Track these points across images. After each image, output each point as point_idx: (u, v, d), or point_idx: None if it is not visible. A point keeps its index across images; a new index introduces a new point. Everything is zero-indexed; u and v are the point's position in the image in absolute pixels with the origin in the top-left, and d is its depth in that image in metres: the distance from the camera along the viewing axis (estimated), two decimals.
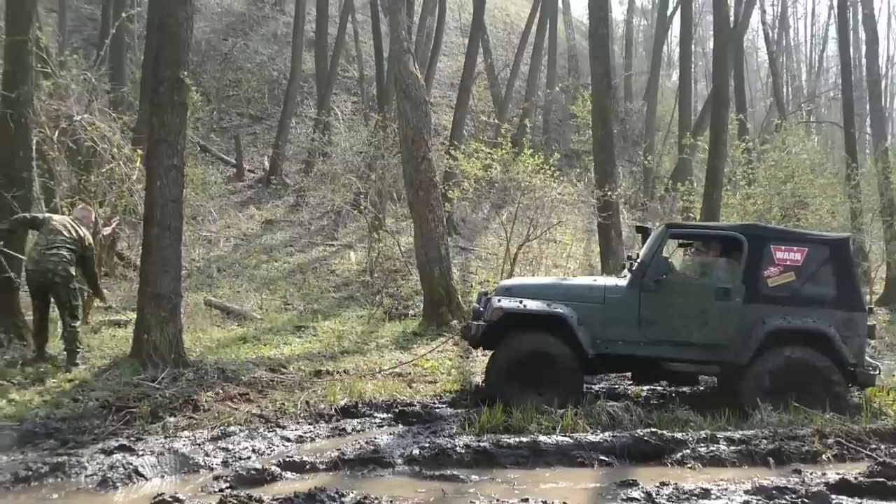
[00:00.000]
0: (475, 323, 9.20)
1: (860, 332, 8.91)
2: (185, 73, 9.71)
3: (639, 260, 9.19)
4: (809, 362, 8.66)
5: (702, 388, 10.35)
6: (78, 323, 9.66)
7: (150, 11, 17.77)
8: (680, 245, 10.96)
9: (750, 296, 8.90)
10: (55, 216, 9.86)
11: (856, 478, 6.37)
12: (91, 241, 9.84)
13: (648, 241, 9.67)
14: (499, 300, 9.05)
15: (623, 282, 9.23)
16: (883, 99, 34.66)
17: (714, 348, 8.90)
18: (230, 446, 7.06)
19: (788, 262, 8.96)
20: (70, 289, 9.47)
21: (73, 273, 9.51)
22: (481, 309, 9.44)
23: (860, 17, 29.23)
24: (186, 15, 9.74)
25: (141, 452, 6.66)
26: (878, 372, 9.14)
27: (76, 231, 9.58)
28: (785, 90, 43.11)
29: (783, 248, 8.99)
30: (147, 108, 11.83)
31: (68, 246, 9.43)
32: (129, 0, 24.64)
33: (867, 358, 9.12)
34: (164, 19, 9.71)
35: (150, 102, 10.06)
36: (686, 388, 10.32)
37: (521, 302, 8.95)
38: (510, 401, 8.30)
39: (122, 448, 6.73)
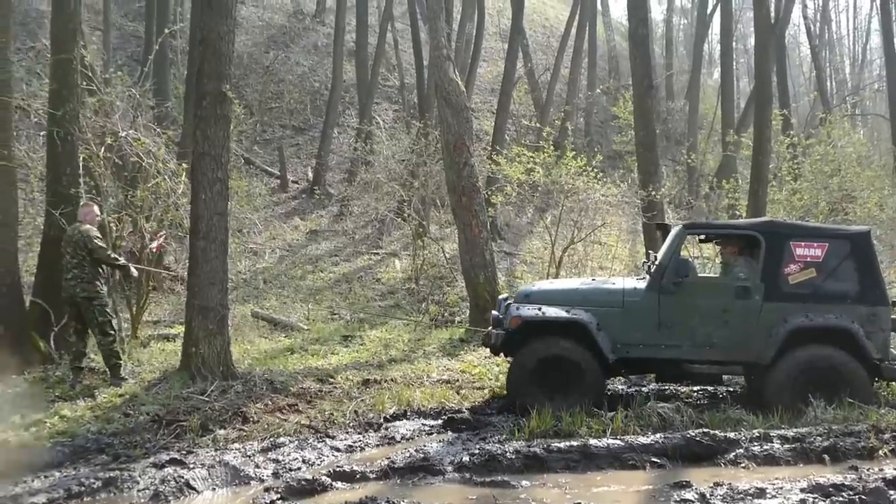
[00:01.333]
0: (494, 331, 9.17)
1: (884, 326, 8.76)
2: (228, 86, 9.78)
3: (657, 262, 9.09)
4: (833, 359, 8.53)
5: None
6: (110, 339, 9.65)
7: (192, 27, 17.97)
8: (711, 242, 10.85)
9: (770, 294, 8.78)
10: (65, 234, 9.91)
11: None
12: (93, 232, 9.71)
13: (667, 241, 9.54)
14: (517, 308, 9.03)
15: (642, 284, 9.13)
16: None
17: (736, 348, 8.80)
18: (280, 457, 7.10)
19: (809, 259, 8.82)
20: (94, 306, 9.52)
21: (97, 289, 9.59)
22: (500, 316, 9.41)
23: None
24: (228, 29, 9.81)
25: (192, 465, 6.71)
26: None
27: (79, 238, 9.58)
28: (829, 84, 42.55)
29: (803, 244, 8.85)
30: (191, 123, 11.92)
31: (75, 261, 9.51)
32: (172, 16, 24.94)
33: (893, 351, 8.94)
34: (206, 34, 9.79)
35: (194, 116, 10.13)
36: (738, 387, 10.19)
37: (539, 309, 8.90)
38: (531, 407, 8.24)
39: (173, 461, 6.80)
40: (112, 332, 9.76)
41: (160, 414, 8.10)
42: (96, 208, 10.28)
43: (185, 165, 12.70)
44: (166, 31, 17.20)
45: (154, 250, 12.36)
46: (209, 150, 9.59)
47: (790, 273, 8.81)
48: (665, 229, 10.38)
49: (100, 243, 9.67)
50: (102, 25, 24.82)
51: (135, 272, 10.35)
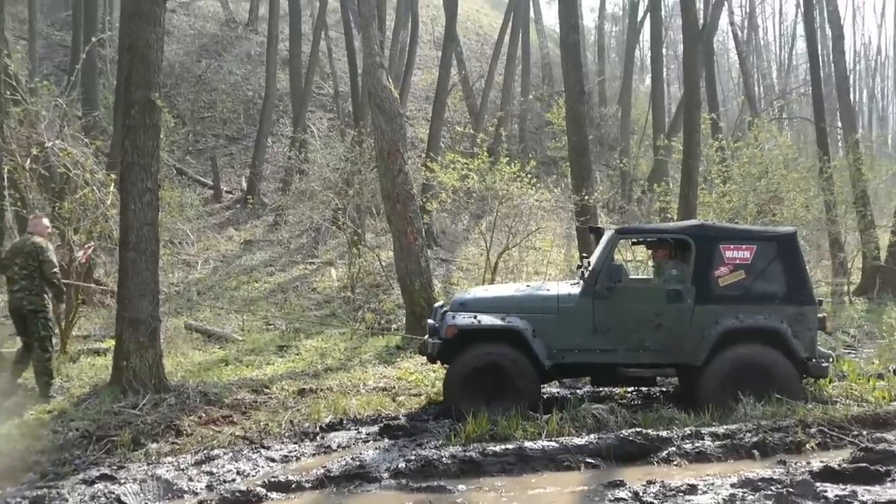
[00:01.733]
0: (431, 340, 9.17)
1: (811, 325, 8.96)
2: (157, 95, 9.66)
3: (590, 267, 9.17)
4: (763, 359, 8.70)
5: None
6: (47, 355, 9.54)
7: (120, 35, 17.69)
8: (643, 245, 10.98)
9: (701, 297, 8.92)
10: (12, 244, 9.77)
11: (839, 464, 6.45)
12: (44, 244, 9.64)
13: (599, 246, 9.65)
14: (453, 316, 9.05)
15: (576, 289, 9.19)
16: (851, 93, 34.97)
17: (669, 351, 8.92)
18: (214, 469, 7.02)
19: (738, 261, 8.96)
20: (39, 319, 9.45)
21: (44, 302, 9.48)
22: (436, 325, 9.41)
23: (826, 14, 29.45)
24: (156, 37, 9.68)
25: (123, 481, 6.61)
26: (830, 362, 9.23)
27: (31, 249, 9.48)
28: (756, 88, 43.47)
29: (732, 246, 8.99)
30: (120, 133, 11.75)
31: (25, 272, 9.41)
32: (100, 25, 24.59)
33: (820, 349, 9.17)
34: (134, 41, 9.65)
35: (123, 126, 9.98)
36: (670, 387, 10.35)
37: (475, 317, 8.95)
38: (468, 413, 8.25)
39: (103, 477, 6.69)
40: (50, 348, 9.65)
41: (90, 429, 7.94)
42: (46, 220, 10.18)
43: (114, 176, 12.51)
44: (94, 39, 16.98)
45: (82, 261, 12.11)
46: (138, 160, 9.46)
47: (720, 275, 8.94)
48: (598, 232, 10.51)
49: (51, 257, 9.55)
50: (28, 35, 24.37)
51: (62, 300, 10.12)
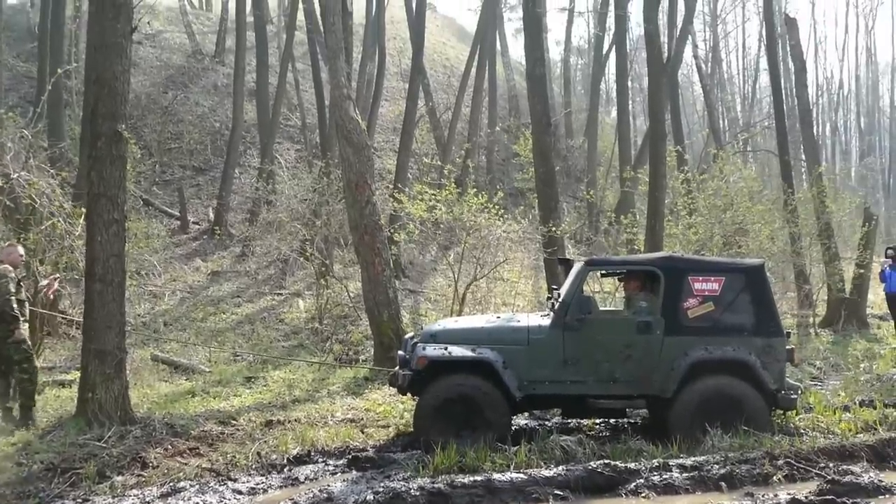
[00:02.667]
0: (401, 372, 9.14)
1: (779, 357, 9.01)
2: (124, 126, 9.64)
3: (560, 299, 9.19)
4: (732, 390, 8.73)
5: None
6: (26, 376, 9.54)
7: (87, 66, 17.65)
8: (612, 277, 11.04)
9: (671, 328, 8.95)
10: None
11: (806, 497, 6.50)
12: (10, 275, 9.58)
13: (569, 278, 9.70)
14: (423, 347, 9.04)
15: (546, 321, 9.21)
16: (815, 126, 35.49)
17: (639, 383, 8.95)
18: (180, 502, 6.99)
19: (707, 293, 9.00)
20: (9, 345, 9.42)
21: (10, 328, 9.41)
22: (406, 356, 9.38)
23: (788, 48, 29.93)
24: (123, 68, 9.67)
25: None
26: (799, 394, 9.28)
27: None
28: (721, 121, 44.02)
29: (700, 278, 9.03)
30: (86, 164, 11.69)
31: None
32: (66, 56, 24.52)
33: (788, 381, 9.23)
34: (101, 73, 9.63)
35: (89, 157, 9.93)
36: (639, 419, 10.38)
37: (446, 349, 8.95)
38: (438, 445, 8.23)
39: None
40: (29, 371, 9.62)
41: (55, 462, 7.85)
42: (21, 249, 10.11)
43: (81, 207, 12.44)
44: (60, 71, 16.91)
45: (47, 293, 12.01)
46: (105, 191, 9.41)
47: (689, 307, 8.98)
48: (567, 264, 10.55)
49: (10, 287, 9.44)
50: None
51: (20, 335, 9.92)
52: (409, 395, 9.60)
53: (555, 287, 11.32)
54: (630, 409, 9.49)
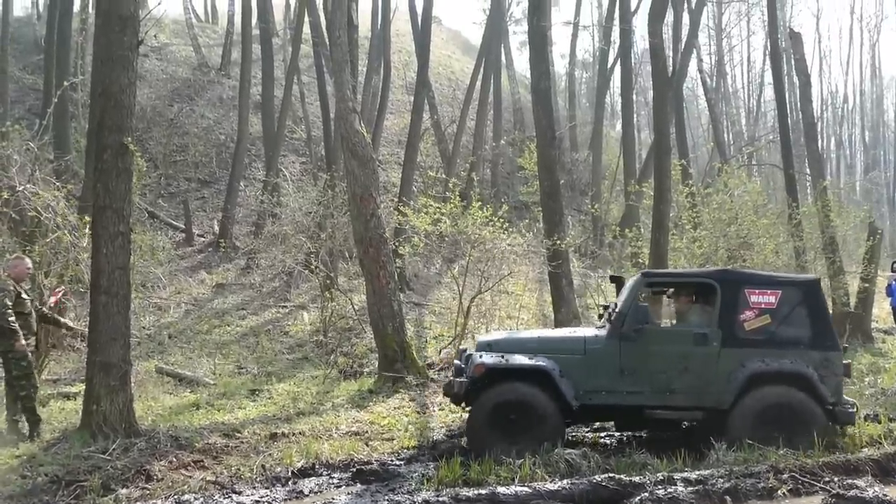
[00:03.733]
0: (458, 380, 9.18)
1: (836, 371, 9.06)
2: (130, 138, 9.68)
3: (617, 310, 9.25)
4: (791, 402, 8.76)
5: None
6: (24, 393, 9.55)
7: (93, 79, 17.72)
8: (653, 293, 11.07)
9: (727, 340, 9.02)
10: None
11: None
12: (9, 289, 9.59)
13: (625, 289, 9.77)
14: (480, 356, 9.09)
15: (603, 332, 9.29)
16: (819, 140, 35.49)
17: (696, 394, 8.99)
18: None
19: (763, 305, 9.08)
20: (10, 360, 9.43)
21: (10, 342, 9.41)
22: (462, 366, 9.47)
23: (793, 62, 29.94)
24: (129, 81, 9.72)
25: None
26: (855, 409, 9.23)
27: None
28: (725, 135, 43.98)
29: (757, 291, 9.12)
30: (92, 176, 11.71)
31: None
32: (73, 69, 24.60)
33: (844, 396, 9.22)
34: (107, 86, 9.69)
35: (95, 169, 9.98)
36: (643, 432, 10.37)
37: (503, 357, 9.01)
38: (492, 454, 8.31)
39: None
40: (28, 387, 9.60)
41: (59, 474, 7.86)
42: (28, 262, 10.15)
43: (86, 219, 12.47)
44: (66, 83, 16.96)
45: (52, 305, 12.02)
46: (110, 204, 9.45)
47: (746, 319, 9.06)
48: (619, 281, 10.67)
49: (6, 300, 9.43)
50: None
51: (21, 347, 9.91)
52: (462, 405, 9.59)
53: (605, 305, 11.35)
54: (684, 421, 9.47)
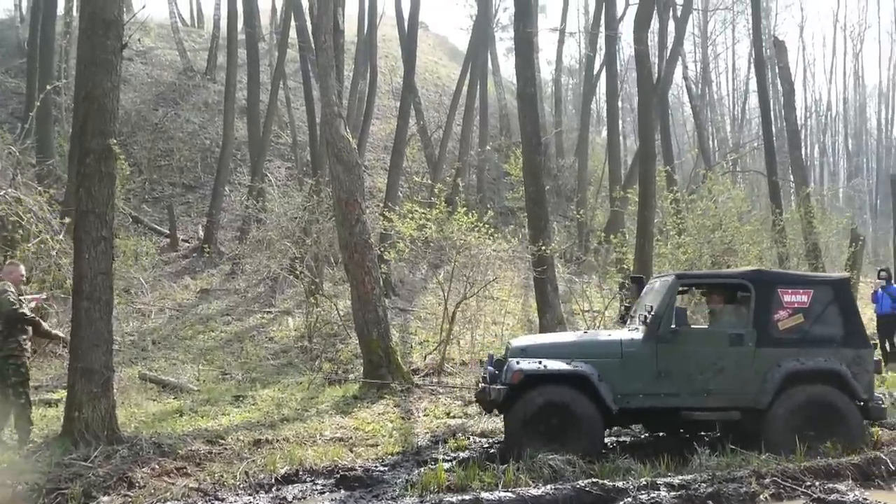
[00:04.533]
0: (493, 387, 9.13)
1: (868, 367, 9.20)
2: (114, 143, 9.62)
3: (653, 312, 9.27)
4: (827, 400, 8.88)
5: (642, 436, 10.43)
6: (21, 401, 9.40)
7: (76, 83, 17.61)
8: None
9: (762, 340, 9.13)
10: None
11: None
12: (10, 289, 9.49)
13: (655, 291, 9.82)
14: (517, 362, 9.06)
15: (637, 334, 9.33)
16: (803, 148, 35.67)
17: (733, 394, 9.07)
18: None
19: (796, 305, 9.21)
20: (10, 365, 9.32)
21: (10, 347, 9.31)
22: (496, 371, 9.42)
23: (777, 70, 30.11)
24: (112, 85, 9.67)
25: None
26: (885, 405, 9.39)
27: None
28: (710, 142, 44.17)
29: (790, 291, 9.25)
30: (75, 181, 11.64)
31: None
32: (56, 72, 24.48)
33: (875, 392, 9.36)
34: (90, 90, 9.63)
35: (77, 174, 9.91)
36: (626, 437, 10.40)
37: (540, 362, 9.01)
38: (529, 458, 8.32)
39: None
40: (24, 394, 9.48)
41: (40, 482, 7.78)
42: (22, 268, 10.11)
43: (68, 222, 12.39)
44: (49, 87, 16.85)
45: (32, 308, 11.92)
46: (93, 208, 9.39)
47: (780, 319, 9.18)
48: (640, 282, 10.85)
49: (9, 297, 9.34)
50: None
51: (45, 326, 9.88)
52: (496, 411, 9.65)
53: (627, 305, 11.39)
54: (722, 420, 9.45)
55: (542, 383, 8.93)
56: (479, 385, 9.68)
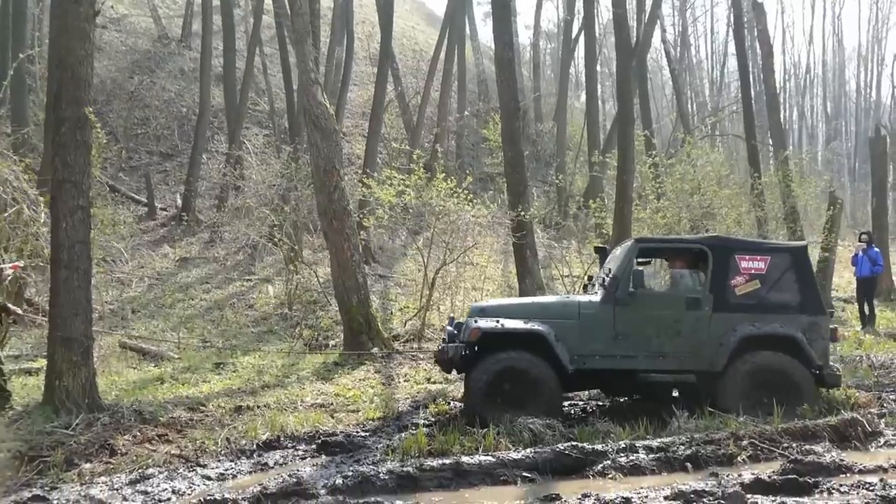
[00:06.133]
0: (451, 345, 9.24)
1: (824, 334, 9.34)
2: (89, 111, 9.54)
3: (611, 274, 9.39)
4: (781, 365, 9.01)
5: (621, 399, 10.52)
6: None
7: (50, 51, 17.44)
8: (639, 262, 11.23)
9: (718, 305, 9.25)
10: None
11: (769, 476, 6.61)
12: None
13: (618, 255, 9.89)
14: (475, 321, 9.16)
15: (596, 297, 9.42)
16: (782, 111, 35.81)
17: (688, 357, 9.20)
18: (149, 489, 6.97)
19: (753, 271, 9.34)
20: None
21: None
22: (455, 332, 9.52)
23: (756, 33, 30.12)
24: (86, 52, 9.57)
25: (56, 502, 6.52)
26: (840, 373, 9.51)
27: None
28: (689, 106, 44.25)
29: (747, 257, 9.38)
30: (50, 150, 11.55)
31: None
32: (30, 41, 24.19)
33: (830, 360, 9.49)
34: (64, 57, 9.54)
35: (53, 143, 9.85)
36: (606, 401, 10.50)
37: (497, 321, 9.10)
38: (490, 420, 8.41)
39: (35, 499, 6.59)
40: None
41: (22, 450, 7.79)
42: None
43: (45, 194, 12.30)
44: (22, 56, 16.65)
45: (7, 275, 11.86)
46: (69, 177, 9.32)
47: (737, 285, 9.31)
48: (603, 252, 10.96)
49: None
50: None
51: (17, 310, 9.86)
52: (454, 372, 9.76)
53: (591, 276, 11.49)
54: (677, 383, 9.53)
55: (499, 344, 9.00)
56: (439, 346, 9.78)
